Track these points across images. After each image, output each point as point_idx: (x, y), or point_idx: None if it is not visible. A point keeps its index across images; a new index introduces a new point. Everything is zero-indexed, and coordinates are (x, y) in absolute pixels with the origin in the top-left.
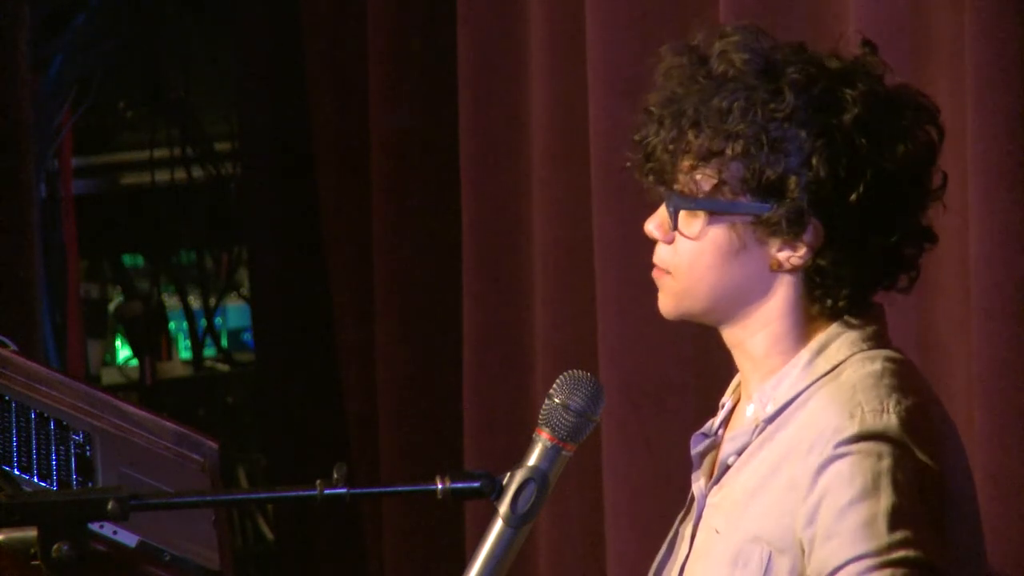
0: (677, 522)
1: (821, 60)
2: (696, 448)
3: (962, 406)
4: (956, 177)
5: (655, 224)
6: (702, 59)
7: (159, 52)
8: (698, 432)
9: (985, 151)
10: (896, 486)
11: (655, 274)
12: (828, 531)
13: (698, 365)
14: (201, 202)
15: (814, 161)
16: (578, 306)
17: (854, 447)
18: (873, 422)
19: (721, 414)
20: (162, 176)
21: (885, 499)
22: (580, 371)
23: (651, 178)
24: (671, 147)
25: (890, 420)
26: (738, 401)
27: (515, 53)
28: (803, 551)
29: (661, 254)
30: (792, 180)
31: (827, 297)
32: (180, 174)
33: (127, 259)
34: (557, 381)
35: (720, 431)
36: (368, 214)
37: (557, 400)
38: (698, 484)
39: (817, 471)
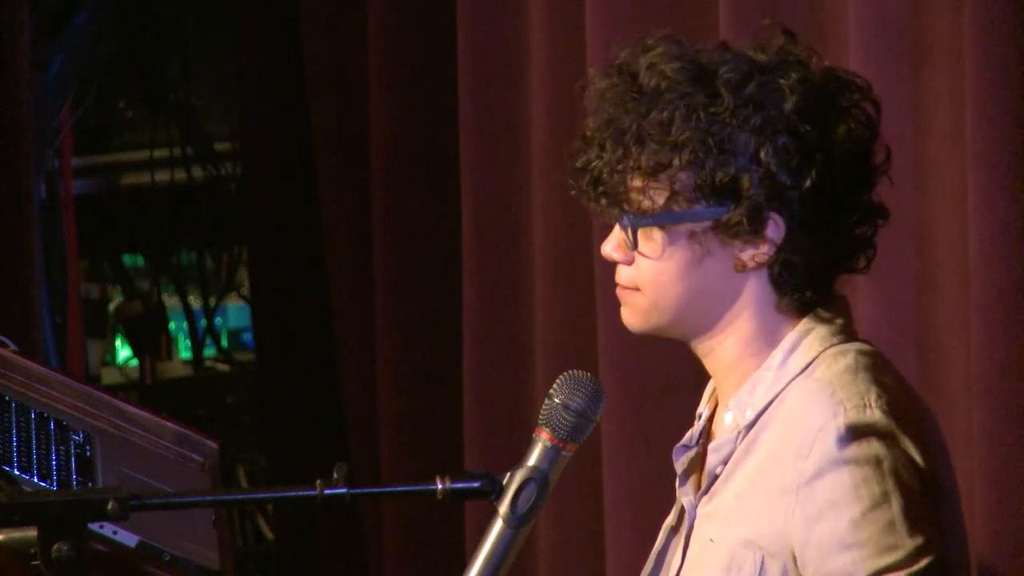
0: (665, 534)
1: (750, 56)
2: (679, 460)
3: (961, 406)
4: (956, 177)
5: (612, 246)
6: (632, 76)
7: (159, 52)
8: (679, 445)
9: (985, 151)
10: (902, 488)
11: (619, 292)
12: (841, 542)
13: (698, 365)
14: (201, 202)
15: (762, 156)
16: (578, 306)
17: (849, 453)
18: (857, 417)
19: (700, 424)
20: (162, 176)
21: (896, 504)
22: (580, 371)
23: (604, 202)
24: (619, 167)
25: (875, 414)
26: (715, 409)
27: (515, 53)
28: (794, 557)
29: (624, 274)
30: (745, 178)
31: (795, 290)
32: (180, 174)
33: (127, 259)
34: (557, 381)
35: (701, 440)
36: (368, 214)
37: (557, 400)
38: (687, 496)
39: (812, 477)
